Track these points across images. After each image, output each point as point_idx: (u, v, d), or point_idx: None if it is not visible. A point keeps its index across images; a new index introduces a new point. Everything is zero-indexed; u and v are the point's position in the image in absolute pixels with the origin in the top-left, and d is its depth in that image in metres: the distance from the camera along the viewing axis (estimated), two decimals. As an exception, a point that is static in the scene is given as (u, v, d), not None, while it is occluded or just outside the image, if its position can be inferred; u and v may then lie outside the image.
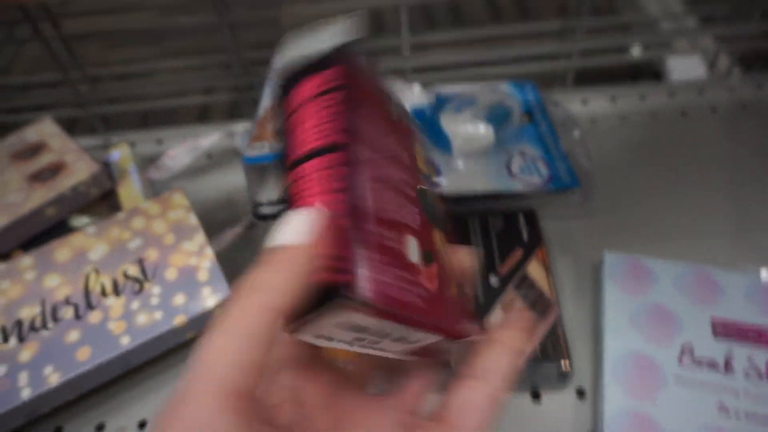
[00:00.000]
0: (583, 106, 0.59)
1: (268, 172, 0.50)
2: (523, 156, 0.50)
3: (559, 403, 0.37)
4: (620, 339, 0.38)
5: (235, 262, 0.47)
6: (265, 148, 0.47)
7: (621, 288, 0.40)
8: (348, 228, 0.17)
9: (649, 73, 0.75)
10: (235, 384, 0.15)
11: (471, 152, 0.49)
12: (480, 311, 0.39)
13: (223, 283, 0.39)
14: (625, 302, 0.40)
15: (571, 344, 0.39)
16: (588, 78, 0.63)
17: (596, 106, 0.59)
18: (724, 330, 0.37)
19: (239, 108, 0.64)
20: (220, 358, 0.16)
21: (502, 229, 0.44)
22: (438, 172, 0.48)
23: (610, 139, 0.55)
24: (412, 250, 0.19)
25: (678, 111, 0.58)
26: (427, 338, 0.20)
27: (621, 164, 0.52)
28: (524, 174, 0.48)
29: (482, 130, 0.48)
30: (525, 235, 0.44)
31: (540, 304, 0.39)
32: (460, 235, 0.44)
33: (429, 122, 0.51)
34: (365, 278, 0.16)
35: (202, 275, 0.40)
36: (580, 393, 0.37)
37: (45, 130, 0.51)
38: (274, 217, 0.48)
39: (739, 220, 0.47)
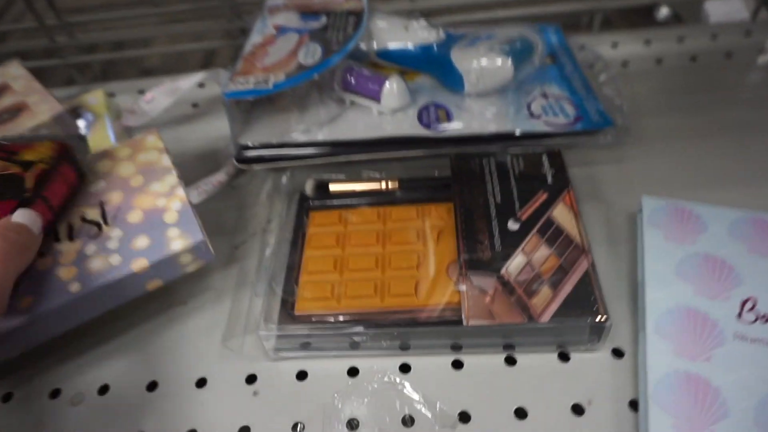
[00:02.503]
0: (613, 50, 0.52)
1: (254, 112, 0.44)
2: (546, 96, 0.44)
3: (591, 364, 0.31)
4: (665, 292, 0.31)
5: (218, 213, 0.42)
6: (249, 83, 0.41)
7: (665, 235, 0.34)
8: None
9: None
10: None
11: (486, 89, 0.43)
12: (498, 258, 0.33)
13: (194, 225, 0.33)
14: (671, 251, 0.33)
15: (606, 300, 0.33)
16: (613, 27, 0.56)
17: (628, 50, 0.52)
18: (793, 282, 0.31)
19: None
20: None
21: (523, 171, 0.38)
22: (448, 117, 0.42)
23: (644, 83, 0.49)
24: None
25: (722, 53, 0.51)
26: None
27: (657, 109, 0.46)
28: (548, 114, 0.42)
29: (499, 63, 0.42)
30: (549, 178, 0.37)
31: (568, 250, 0.33)
32: (472, 177, 0.38)
33: (437, 58, 0.44)
34: None
35: (170, 217, 0.34)
36: (618, 353, 0.31)
37: (10, 72, 0.46)
38: (260, 161, 0.42)
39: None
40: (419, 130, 0.41)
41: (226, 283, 0.37)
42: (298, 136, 0.42)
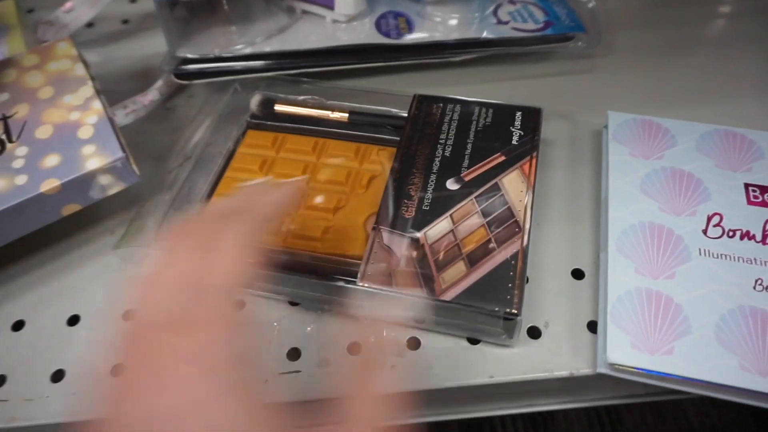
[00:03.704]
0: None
1: (193, 23, 0.39)
2: (514, 2, 0.40)
3: (550, 284, 0.29)
4: (629, 209, 0.29)
5: (149, 135, 0.38)
6: (182, -17, 0.36)
7: (630, 151, 0.32)
8: None
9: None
10: None
11: (447, -4, 0.39)
12: (421, 218, 0.28)
13: (113, 141, 0.29)
14: (636, 167, 0.31)
15: (563, 224, 0.31)
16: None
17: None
18: (762, 197, 0.29)
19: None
20: None
21: (488, 125, 0.33)
22: (410, 27, 0.39)
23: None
24: None
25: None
26: None
27: (631, 22, 0.43)
28: (516, 20, 0.39)
29: (460, -35, 0.38)
30: (515, 138, 0.32)
31: (503, 226, 0.28)
32: (428, 122, 0.33)
33: (394, -38, 0.40)
34: None
35: (85, 132, 0.30)
36: (578, 274, 0.29)
37: None
38: (200, 75, 0.38)
39: (772, 82, 0.38)
40: (378, 39, 0.38)
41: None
42: (243, 49, 0.38)
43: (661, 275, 0.27)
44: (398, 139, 0.32)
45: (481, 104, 0.34)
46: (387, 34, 0.38)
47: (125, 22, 0.47)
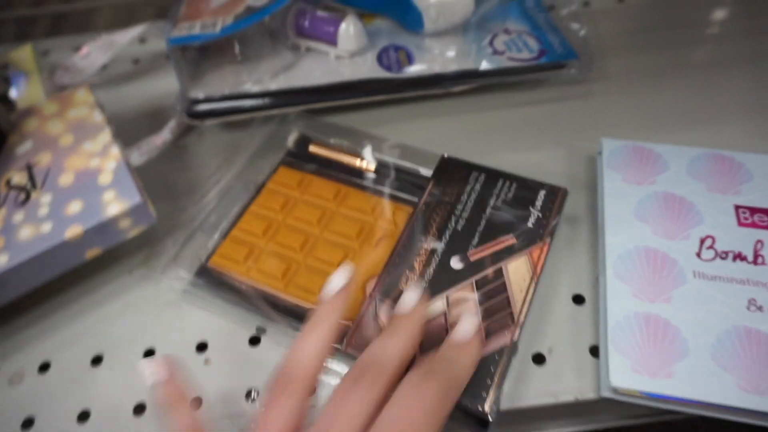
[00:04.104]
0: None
1: (203, 64, 0.41)
2: (509, 32, 0.42)
3: (552, 310, 0.30)
4: (624, 234, 0.31)
5: (162, 174, 0.39)
6: (195, 28, 0.38)
7: (623, 177, 0.33)
8: None
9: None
10: None
11: (447, 26, 0.41)
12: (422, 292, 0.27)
13: (131, 186, 0.31)
14: (629, 193, 0.32)
15: (563, 250, 0.32)
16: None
17: (589, -12, 0.50)
18: (752, 218, 0.30)
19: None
20: None
21: (507, 201, 0.32)
22: (409, 60, 0.40)
23: (606, 22, 0.47)
24: None
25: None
26: None
27: (620, 48, 0.44)
28: (511, 50, 0.40)
29: (459, -3, 0.40)
30: (532, 220, 0.31)
31: (496, 316, 0.27)
32: (448, 188, 0.33)
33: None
34: None
35: (105, 178, 0.31)
36: (578, 300, 0.30)
37: None
38: (212, 115, 0.39)
39: (760, 104, 0.39)
40: (380, 73, 0.39)
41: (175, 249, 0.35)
42: (252, 87, 0.39)
43: (657, 299, 0.28)
44: (417, 200, 0.32)
45: (506, 177, 0.33)
46: (388, 68, 0.40)
47: (136, 62, 0.49)
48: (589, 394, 0.27)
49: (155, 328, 0.31)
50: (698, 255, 0.29)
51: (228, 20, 0.37)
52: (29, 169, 0.32)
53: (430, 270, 0.29)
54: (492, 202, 0.32)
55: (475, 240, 0.30)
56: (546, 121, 0.40)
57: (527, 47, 0.41)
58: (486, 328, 0.27)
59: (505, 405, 0.27)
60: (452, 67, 0.40)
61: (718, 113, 0.39)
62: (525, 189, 0.32)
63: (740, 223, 0.30)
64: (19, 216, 0.30)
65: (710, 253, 0.29)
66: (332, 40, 0.40)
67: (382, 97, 0.40)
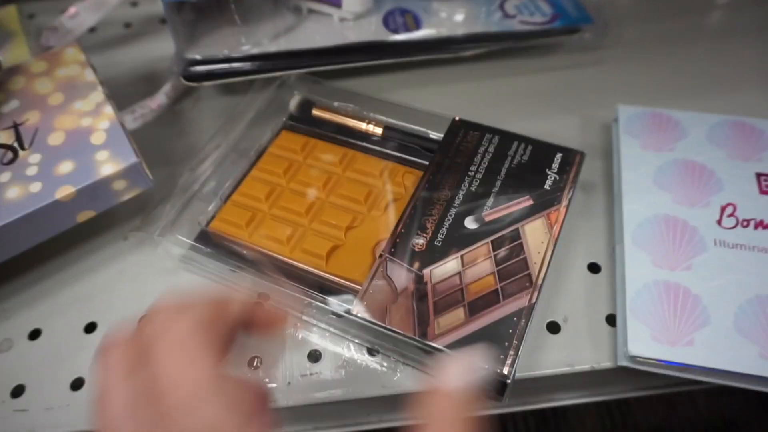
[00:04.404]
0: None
1: (200, 25, 0.39)
2: (519, -4, 0.40)
3: (567, 279, 0.29)
4: (643, 201, 0.29)
5: (158, 140, 0.37)
6: (191, -15, 0.36)
7: (642, 144, 0.32)
8: None
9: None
10: None
11: (453, -10, 0.39)
12: (430, 254, 0.27)
13: (126, 146, 0.29)
14: (648, 160, 0.31)
15: (578, 219, 0.31)
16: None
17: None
18: (773, 186, 0.29)
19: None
20: None
21: (522, 164, 0.30)
22: (417, 23, 0.39)
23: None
24: None
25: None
26: None
27: (637, 14, 0.43)
28: (523, 14, 0.39)
29: (468, -42, 0.38)
30: (549, 182, 0.30)
31: (515, 277, 0.26)
32: (461, 150, 0.31)
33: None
34: None
35: (98, 138, 0.30)
36: (594, 268, 0.29)
37: None
38: (209, 77, 0.38)
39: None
40: (386, 36, 0.38)
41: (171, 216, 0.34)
42: (251, 49, 0.37)
43: (678, 267, 0.27)
44: (427, 163, 0.31)
45: (520, 139, 0.32)
46: (395, 31, 0.38)
47: (127, 26, 0.47)
48: (605, 363, 0.26)
49: (151, 295, 0.30)
50: (719, 223, 0.28)
51: (227, -24, 0.36)
52: (16, 127, 0.31)
53: (444, 230, 0.28)
54: (507, 163, 0.31)
55: (490, 201, 0.29)
56: (559, 88, 0.38)
57: (539, 11, 0.39)
58: (503, 290, 0.26)
59: (519, 374, 0.26)
60: (461, 31, 0.38)
61: (734, 80, 0.38)
62: (540, 152, 0.31)
63: (762, 191, 0.29)
64: (5, 176, 0.28)
65: (731, 221, 0.28)
66: (336, 2, 0.38)
67: (389, 61, 0.39)
